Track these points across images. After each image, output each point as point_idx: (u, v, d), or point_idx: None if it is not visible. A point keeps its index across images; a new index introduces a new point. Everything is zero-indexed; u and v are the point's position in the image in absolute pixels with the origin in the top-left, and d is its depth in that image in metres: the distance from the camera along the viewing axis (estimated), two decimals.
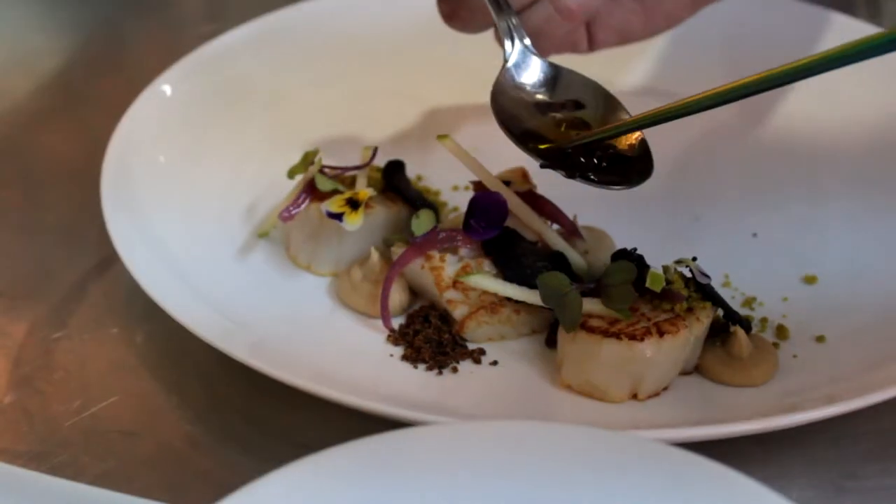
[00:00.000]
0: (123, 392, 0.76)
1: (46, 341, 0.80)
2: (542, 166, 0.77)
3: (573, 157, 0.77)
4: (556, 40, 0.83)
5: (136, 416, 0.75)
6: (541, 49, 0.81)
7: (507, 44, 0.80)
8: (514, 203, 0.79)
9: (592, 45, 0.86)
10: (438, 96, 0.96)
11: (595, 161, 0.76)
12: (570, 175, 0.76)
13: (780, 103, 0.95)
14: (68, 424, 0.75)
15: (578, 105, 0.79)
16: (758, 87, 0.71)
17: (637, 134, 0.78)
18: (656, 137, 0.94)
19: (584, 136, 0.77)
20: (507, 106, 0.79)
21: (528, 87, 0.79)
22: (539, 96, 0.79)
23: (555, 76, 0.80)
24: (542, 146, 0.77)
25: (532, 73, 0.80)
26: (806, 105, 0.94)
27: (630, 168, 0.77)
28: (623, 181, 0.76)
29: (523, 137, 0.77)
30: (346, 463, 0.61)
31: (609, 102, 0.80)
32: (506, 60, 0.80)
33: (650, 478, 0.62)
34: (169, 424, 0.74)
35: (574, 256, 0.79)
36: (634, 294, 0.73)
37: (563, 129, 0.78)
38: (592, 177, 0.76)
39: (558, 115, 0.79)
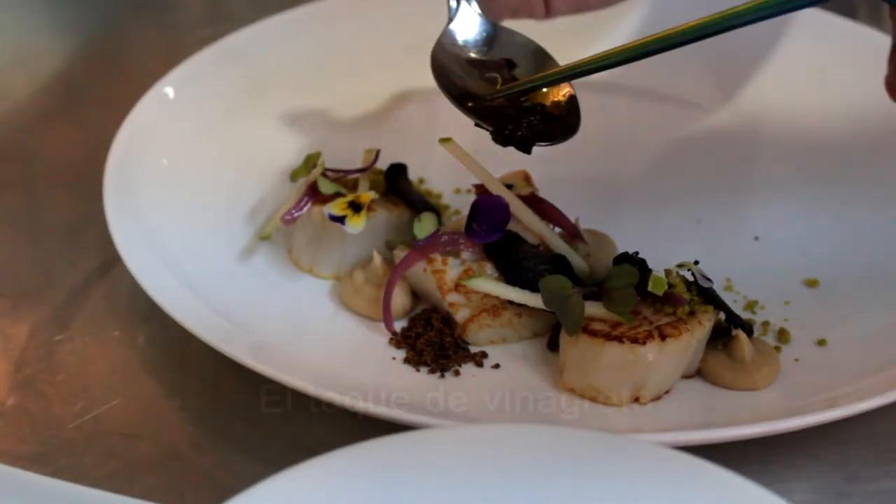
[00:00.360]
0: (125, 394, 0.76)
1: (48, 343, 0.80)
2: (476, 125, 0.77)
3: (505, 116, 0.77)
4: (511, 4, 0.83)
5: (138, 419, 0.75)
6: (494, 13, 0.82)
7: (453, 2, 0.81)
8: (516, 206, 0.79)
9: (549, 12, 0.86)
10: (440, 99, 0.96)
11: (526, 121, 0.77)
12: (500, 139, 0.76)
13: (782, 105, 0.95)
14: (70, 427, 0.75)
15: (511, 64, 0.80)
16: (665, 42, 0.73)
17: (566, 91, 0.78)
18: (659, 140, 0.94)
19: (508, 88, 0.78)
20: (447, 66, 0.80)
21: (468, 48, 0.80)
22: (476, 56, 0.80)
23: (493, 36, 0.81)
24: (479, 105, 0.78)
25: (473, 33, 0.81)
26: (808, 108, 0.94)
27: (559, 126, 0.77)
28: (552, 138, 0.77)
29: (462, 98, 0.78)
30: (348, 466, 0.61)
31: (543, 61, 0.80)
32: (449, 20, 0.80)
33: (652, 481, 0.62)
34: (171, 427, 0.74)
35: (576, 259, 0.79)
36: (636, 297, 0.73)
37: (497, 87, 0.79)
38: (521, 134, 0.76)
39: (493, 75, 0.79)
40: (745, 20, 0.69)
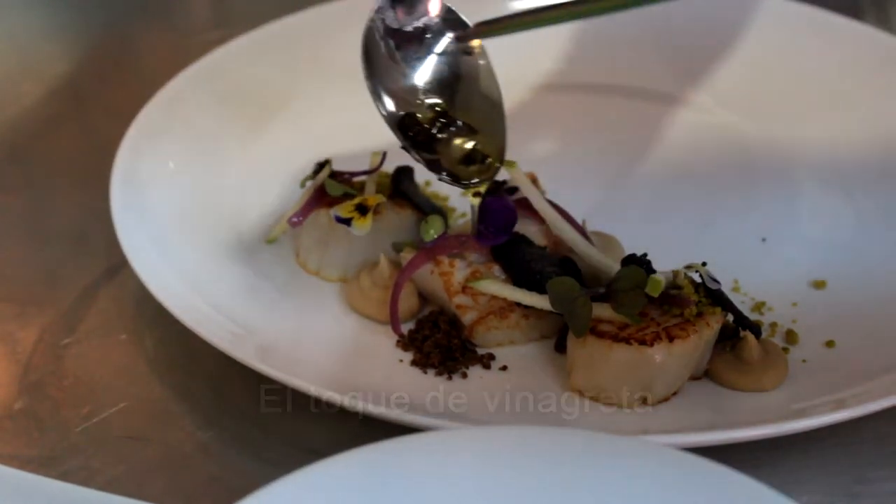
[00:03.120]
0: (133, 397, 0.77)
1: (56, 347, 0.80)
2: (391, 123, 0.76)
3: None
4: None
5: (146, 422, 0.75)
6: None
7: None
8: (553, 220, 0.78)
9: None
10: None
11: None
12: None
13: (787, 107, 0.95)
14: (78, 430, 0.75)
15: (444, 89, 0.78)
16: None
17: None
18: (666, 142, 0.94)
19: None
20: (376, 55, 0.77)
21: (401, 41, 0.77)
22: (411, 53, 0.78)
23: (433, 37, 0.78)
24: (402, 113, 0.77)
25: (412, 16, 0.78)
26: (813, 109, 0.94)
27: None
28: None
29: (386, 94, 0.77)
30: (355, 468, 0.61)
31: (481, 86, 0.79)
32: None
33: (660, 482, 0.62)
34: (178, 430, 0.75)
35: (602, 262, 0.78)
36: (645, 299, 0.73)
37: (421, 103, 0.78)
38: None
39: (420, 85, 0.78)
40: None
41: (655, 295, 0.73)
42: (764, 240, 0.85)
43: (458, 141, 0.76)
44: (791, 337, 0.78)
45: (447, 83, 0.77)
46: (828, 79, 0.95)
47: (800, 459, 0.72)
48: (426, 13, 0.78)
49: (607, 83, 0.91)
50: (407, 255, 0.79)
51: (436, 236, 0.78)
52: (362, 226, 0.79)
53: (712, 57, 0.97)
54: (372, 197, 0.80)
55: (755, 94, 0.96)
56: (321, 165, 0.83)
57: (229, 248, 0.83)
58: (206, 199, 0.86)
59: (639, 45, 0.99)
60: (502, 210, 0.78)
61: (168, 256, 0.80)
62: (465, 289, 0.77)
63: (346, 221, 0.79)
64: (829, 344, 0.77)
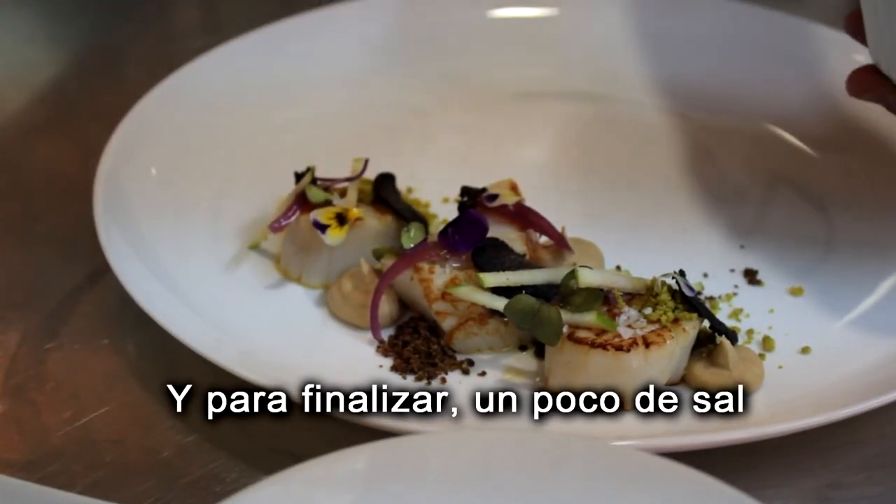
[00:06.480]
0: (114, 402, 0.77)
1: (38, 351, 0.80)
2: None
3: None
4: None
5: (127, 426, 0.76)
6: None
7: None
8: None
9: None
10: (429, 107, 0.97)
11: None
12: None
13: (765, 117, 0.95)
14: (60, 434, 0.75)
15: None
16: None
17: None
18: (646, 149, 0.95)
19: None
20: None
21: None
22: None
23: None
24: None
25: None
26: (793, 117, 0.95)
27: None
28: None
29: None
30: (333, 472, 0.62)
31: None
32: None
33: (635, 487, 0.62)
34: (159, 434, 0.75)
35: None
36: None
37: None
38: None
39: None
40: None
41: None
42: (742, 247, 0.86)
43: None
44: (767, 343, 0.78)
45: None
46: (801, 86, 0.95)
47: (774, 464, 0.73)
48: None
49: (587, 91, 0.91)
50: (387, 262, 0.79)
51: (416, 243, 0.79)
52: (336, 236, 0.79)
53: (693, 68, 0.98)
54: (353, 210, 0.81)
55: (734, 104, 0.97)
56: (303, 172, 0.83)
57: (211, 253, 0.83)
58: (189, 204, 0.86)
59: (622, 55, 0.99)
60: (475, 223, 0.78)
61: (150, 262, 0.80)
62: (444, 295, 0.77)
63: (322, 227, 0.79)
64: (805, 350, 0.78)
